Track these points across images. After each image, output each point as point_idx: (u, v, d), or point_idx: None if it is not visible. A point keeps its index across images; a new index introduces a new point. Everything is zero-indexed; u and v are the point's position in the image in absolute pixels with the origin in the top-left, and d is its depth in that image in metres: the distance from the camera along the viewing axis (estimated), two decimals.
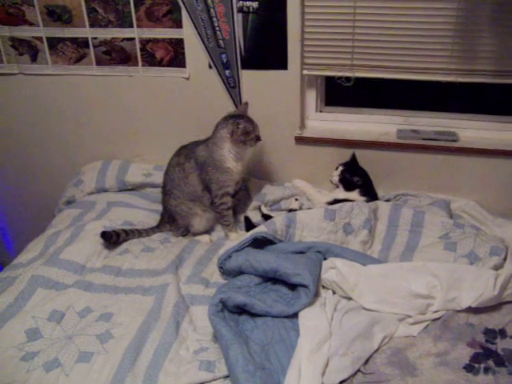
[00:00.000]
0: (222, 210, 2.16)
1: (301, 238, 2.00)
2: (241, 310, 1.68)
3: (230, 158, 2.11)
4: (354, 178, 2.21)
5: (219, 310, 1.63)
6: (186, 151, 2.19)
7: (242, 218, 2.30)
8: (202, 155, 2.13)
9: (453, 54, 2.04)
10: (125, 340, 1.61)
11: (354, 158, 2.27)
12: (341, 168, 2.26)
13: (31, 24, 2.37)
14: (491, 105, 2.28)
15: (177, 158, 2.19)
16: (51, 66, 2.47)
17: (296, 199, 2.31)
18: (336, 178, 2.25)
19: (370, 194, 2.22)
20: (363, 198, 2.18)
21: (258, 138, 2.13)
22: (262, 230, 1.92)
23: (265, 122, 2.19)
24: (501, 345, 1.54)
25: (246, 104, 2.20)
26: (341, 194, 2.23)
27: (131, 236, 2.14)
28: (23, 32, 2.40)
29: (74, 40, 2.38)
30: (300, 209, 2.25)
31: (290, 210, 2.24)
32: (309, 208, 2.21)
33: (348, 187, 2.23)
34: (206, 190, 2.16)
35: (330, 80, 2.32)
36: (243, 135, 2.07)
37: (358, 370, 1.48)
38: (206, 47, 2.26)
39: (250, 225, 2.20)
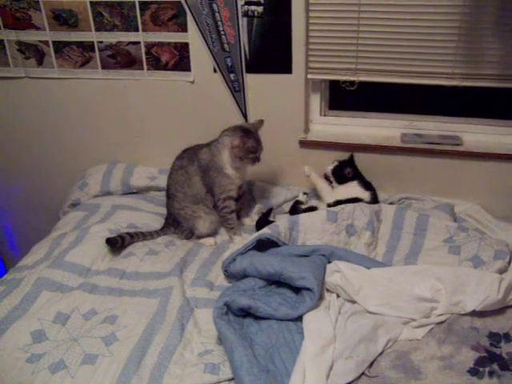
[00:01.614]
0: (225, 213, 2.17)
1: (304, 240, 2.00)
2: (245, 313, 1.69)
3: (229, 166, 2.11)
4: (346, 169, 2.24)
5: (224, 312, 1.64)
6: (188, 154, 2.19)
7: (246, 221, 2.32)
8: (205, 158, 2.13)
9: (456, 58, 2.05)
10: (130, 342, 1.61)
11: (351, 158, 2.30)
12: (336, 163, 2.29)
13: (38, 28, 2.40)
14: (495, 109, 2.28)
15: (180, 161, 2.20)
16: (57, 70, 2.49)
17: (304, 193, 2.32)
18: (329, 171, 2.28)
19: (371, 188, 2.23)
20: (367, 193, 2.19)
21: (256, 160, 2.11)
22: (265, 231, 1.93)
23: (269, 125, 2.19)
24: (505, 348, 1.54)
25: (262, 122, 2.16)
26: (346, 191, 2.23)
27: (136, 239, 2.15)
28: (30, 36, 2.42)
29: (79, 44, 2.40)
30: (306, 202, 2.28)
31: (296, 202, 2.26)
32: (312, 207, 2.23)
33: (340, 180, 2.25)
34: (209, 192, 2.17)
35: (334, 84, 2.33)
36: (244, 152, 2.05)
37: (363, 374, 1.47)
38: (210, 51, 2.27)
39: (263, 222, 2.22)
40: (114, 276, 1.94)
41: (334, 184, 2.28)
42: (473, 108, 2.32)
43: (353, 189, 2.22)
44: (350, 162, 2.29)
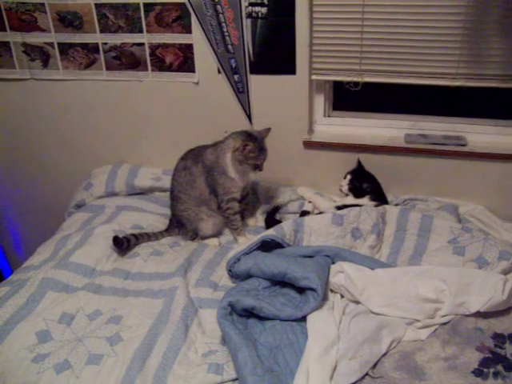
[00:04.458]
0: (229, 214, 2.17)
1: (309, 242, 2.00)
2: (249, 314, 1.69)
3: (232, 168, 2.10)
4: (363, 184, 2.20)
5: (228, 313, 1.64)
6: (192, 155, 2.19)
7: (250, 222, 2.32)
8: (209, 159, 2.13)
9: (461, 58, 2.05)
10: (134, 343, 1.62)
11: (360, 165, 2.27)
12: (349, 177, 2.24)
13: (43, 30, 2.41)
14: (500, 109, 2.28)
15: (183, 162, 2.20)
16: (62, 72, 2.50)
17: (310, 201, 2.31)
18: (346, 188, 2.24)
19: (380, 199, 2.21)
20: (373, 203, 2.17)
21: (257, 168, 2.10)
22: (270, 233, 1.93)
23: (273, 126, 2.19)
24: (510, 349, 1.53)
25: (269, 130, 2.14)
26: (350, 199, 2.22)
27: (141, 240, 2.16)
28: (35, 38, 2.44)
29: (84, 45, 2.42)
30: (313, 211, 2.26)
31: (303, 212, 2.25)
32: (320, 212, 2.22)
33: (358, 194, 2.22)
34: (213, 193, 2.17)
35: (338, 85, 2.33)
36: (244, 157, 2.04)
37: (367, 374, 1.48)
38: (215, 52, 2.28)
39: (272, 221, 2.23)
40: (119, 276, 1.95)
41: (350, 197, 2.24)
42: (477, 108, 2.31)
43: (359, 200, 2.20)
44: (362, 172, 2.25)
